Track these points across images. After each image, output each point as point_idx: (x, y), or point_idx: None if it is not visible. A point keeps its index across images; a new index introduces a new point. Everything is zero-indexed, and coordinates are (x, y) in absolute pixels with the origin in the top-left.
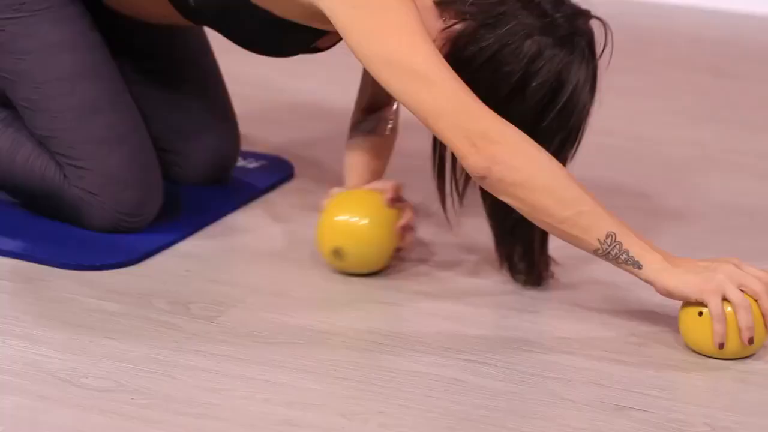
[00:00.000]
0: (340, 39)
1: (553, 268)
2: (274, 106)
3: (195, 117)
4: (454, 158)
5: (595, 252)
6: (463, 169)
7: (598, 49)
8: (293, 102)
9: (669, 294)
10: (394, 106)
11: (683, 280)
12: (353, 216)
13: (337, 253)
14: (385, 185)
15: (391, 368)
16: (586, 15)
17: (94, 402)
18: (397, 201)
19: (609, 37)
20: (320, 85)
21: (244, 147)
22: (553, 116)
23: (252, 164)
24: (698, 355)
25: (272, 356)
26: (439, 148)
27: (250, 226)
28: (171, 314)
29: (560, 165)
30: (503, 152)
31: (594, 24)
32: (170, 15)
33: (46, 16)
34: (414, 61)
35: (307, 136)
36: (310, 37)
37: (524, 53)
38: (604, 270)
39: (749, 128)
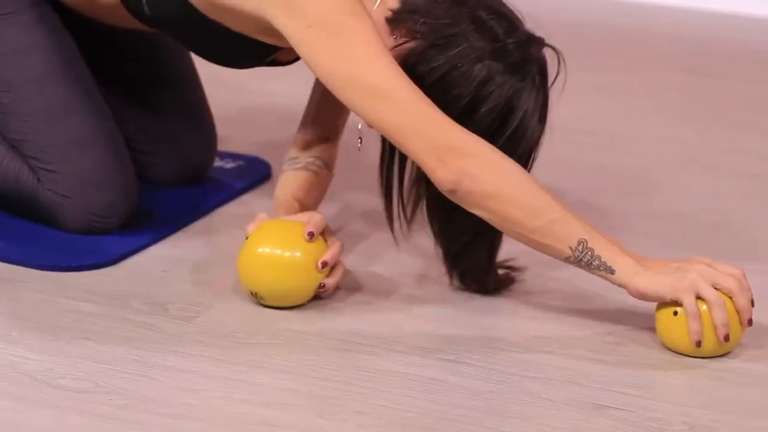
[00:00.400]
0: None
1: (515, 273)
2: (250, 108)
3: (172, 118)
4: (401, 181)
5: (566, 259)
6: (410, 194)
7: (552, 77)
8: (270, 103)
9: (643, 296)
10: (336, 143)
11: (656, 281)
12: (274, 248)
13: (257, 295)
14: (311, 217)
15: (369, 368)
16: (539, 42)
17: (71, 403)
18: (320, 234)
19: (562, 65)
20: (296, 86)
21: (221, 147)
22: (502, 142)
23: (229, 164)
24: (675, 354)
25: (250, 357)
26: (386, 169)
27: (228, 227)
28: (148, 315)
29: (528, 174)
30: (471, 164)
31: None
32: (133, 22)
33: (14, 20)
34: (375, 79)
35: (284, 137)
36: (268, 50)
37: (474, 77)
38: (581, 271)
39: (730, 127)
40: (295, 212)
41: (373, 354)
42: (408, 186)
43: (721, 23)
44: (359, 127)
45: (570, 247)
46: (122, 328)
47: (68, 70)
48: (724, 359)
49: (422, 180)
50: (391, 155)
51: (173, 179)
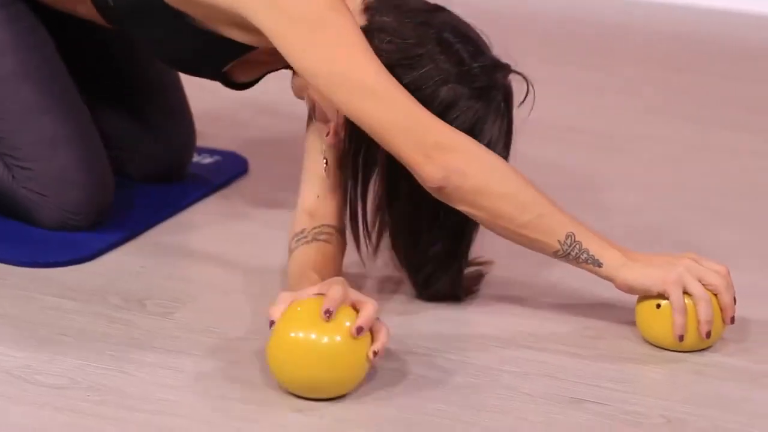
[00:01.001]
0: (259, 76)
1: (483, 267)
2: (228, 104)
3: (151, 115)
4: (364, 206)
5: (555, 254)
6: (374, 222)
7: (519, 103)
8: (247, 99)
9: (630, 289)
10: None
11: (644, 274)
12: (319, 335)
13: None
14: (328, 290)
15: None
16: (505, 68)
17: (48, 399)
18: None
19: (531, 92)
20: (272, 83)
21: (199, 143)
22: None
23: (206, 160)
24: (654, 348)
25: (227, 352)
26: (350, 194)
27: (205, 222)
28: (126, 311)
29: (515, 169)
30: (458, 160)
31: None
32: (94, 16)
33: None
34: (360, 75)
35: (261, 133)
36: (229, 53)
37: (440, 100)
38: (559, 266)
39: (706, 123)
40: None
41: None
42: (372, 213)
43: (700, 18)
44: (323, 149)
45: (558, 241)
46: (99, 324)
47: (44, 68)
48: (703, 353)
49: (385, 208)
50: (354, 180)
51: (152, 176)
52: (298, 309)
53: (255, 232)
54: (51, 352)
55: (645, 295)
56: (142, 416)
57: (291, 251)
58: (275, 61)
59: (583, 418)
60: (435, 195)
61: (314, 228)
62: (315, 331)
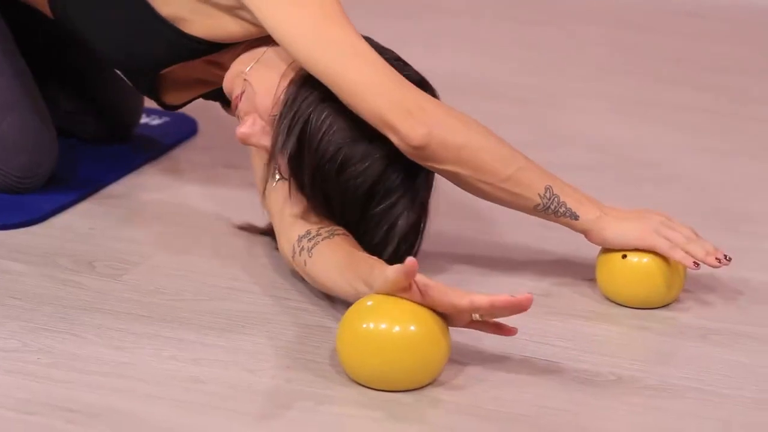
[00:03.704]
0: (186, 101)
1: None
2: None
3: (98, 76)
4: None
5: (535, 208)
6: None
7: None
8: None
9: (604, 242)
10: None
11: (621, 227)
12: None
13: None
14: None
15: (298, 323)
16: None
17: None
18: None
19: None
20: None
21: (147, 104)
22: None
23: (155, 121)
24: (604, 305)
25: (177, 313)
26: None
27: (154, 184)
28: (75, 273)
29: (486, 126)
30: (440, 116)
31: None
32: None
33: None
34: (349, 38)
35: None
36: (180, 52)
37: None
38: (508, 223)
39: (662, 81)
40: (372, 266)
41: (300, 309)
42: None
43: None
44: (276, 167)
45: (539, 195)
46: (49, 287)
47: None
48: (654, 311)
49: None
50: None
51: (100, 136)
52: (369, 303)
53: (204, 193)
54: (1, 315)
55: (607, 249)
56: (93, 378)
57: (306, 250)
58: (207, 80)
59: (534, 376)
60: (414, 156)
61: (321, 227)
62: (386, 322)
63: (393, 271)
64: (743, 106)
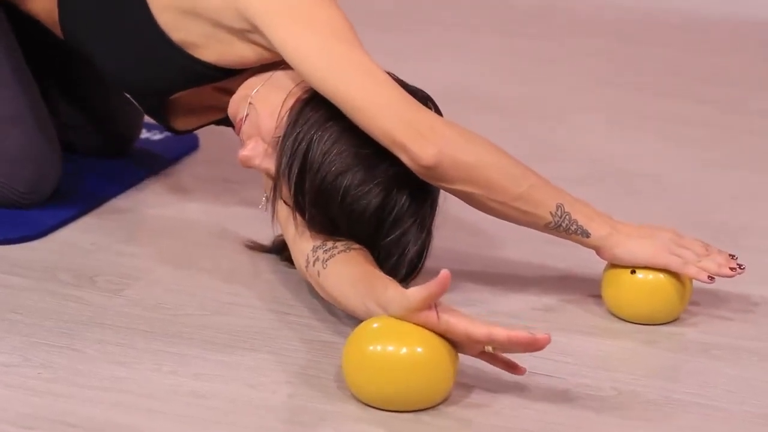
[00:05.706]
0: (196, 126)
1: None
2: None
3: (100, 91)
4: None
5: (546, 226)
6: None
7: None
8: None
9: (615, 259)
10: None
11: (634, 245)
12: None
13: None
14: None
15: (300, 339)
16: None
17: (0, 377)
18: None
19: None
20: None
21: (149, 119)
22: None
23: (157, 136)
24: (605, 320)
25: (179, 328)
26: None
27: (156, 198)
28: (77, 288)
29: (496, 144)
30: (450, 135)
31: None
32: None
33: None
34: (361, 57)
35: None
36: (190, 77)
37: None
38: (511, 240)
39: (659, 93)
40: (386, 286)
41: (302, 324)
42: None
43: None
44: (265, 191)
45: (550, 213)
46: (50, 302)
47: None
48: (653, 326)
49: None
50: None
51: (100, 150)
52: (375, 326)
53: (205, 209)
54: (2, 330)
55: (614, 264)
56: (94, 393)
57: (321, 261)
58: (217, 107)
59: (534, 390)
60: (425, 176)
61: (338, 240)
62: (393, 344)
63: (416, 292)
64: (742, 118)
